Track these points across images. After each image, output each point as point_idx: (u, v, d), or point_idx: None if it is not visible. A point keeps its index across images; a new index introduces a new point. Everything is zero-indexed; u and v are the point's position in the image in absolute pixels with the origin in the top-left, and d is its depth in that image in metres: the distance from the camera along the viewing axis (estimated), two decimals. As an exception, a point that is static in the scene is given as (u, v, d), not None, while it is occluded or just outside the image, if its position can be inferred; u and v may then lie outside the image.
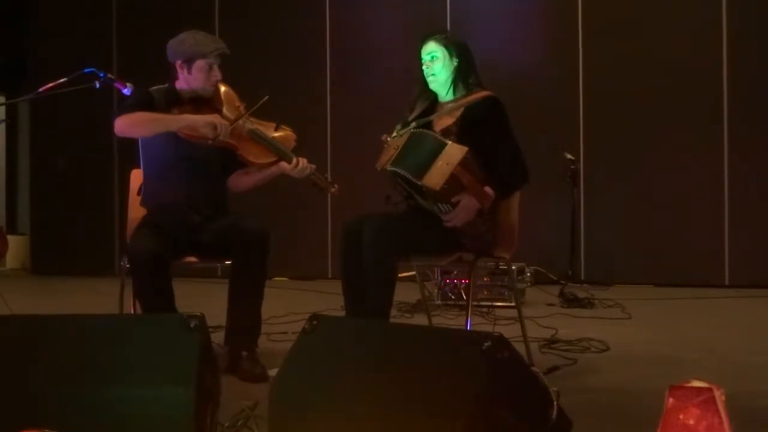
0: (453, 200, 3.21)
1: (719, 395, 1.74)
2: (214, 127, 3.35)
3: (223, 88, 3.59)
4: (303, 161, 3.51)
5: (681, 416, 1.74)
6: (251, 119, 3.52)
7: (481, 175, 3.23)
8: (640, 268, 6.63)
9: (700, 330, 4.61)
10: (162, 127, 3.41)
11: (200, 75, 3.49)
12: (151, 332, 2.24)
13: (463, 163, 3.13)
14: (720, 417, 1.73)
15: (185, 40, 3.52)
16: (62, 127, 7.91)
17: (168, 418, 2.08)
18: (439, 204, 3.24)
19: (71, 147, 8.04)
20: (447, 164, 3.11)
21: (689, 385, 1.80)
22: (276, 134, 3.56)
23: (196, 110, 3.47)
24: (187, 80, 3.53)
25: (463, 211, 3.23)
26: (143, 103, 3.47)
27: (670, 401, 1.78)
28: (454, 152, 3.13)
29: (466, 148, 3.14)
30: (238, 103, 3.57)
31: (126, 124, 3.40)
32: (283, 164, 3.51)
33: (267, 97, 3.46)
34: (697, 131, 6.57)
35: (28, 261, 8.56)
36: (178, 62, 3.52)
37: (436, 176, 3.12)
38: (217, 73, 3.52)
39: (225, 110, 3.51)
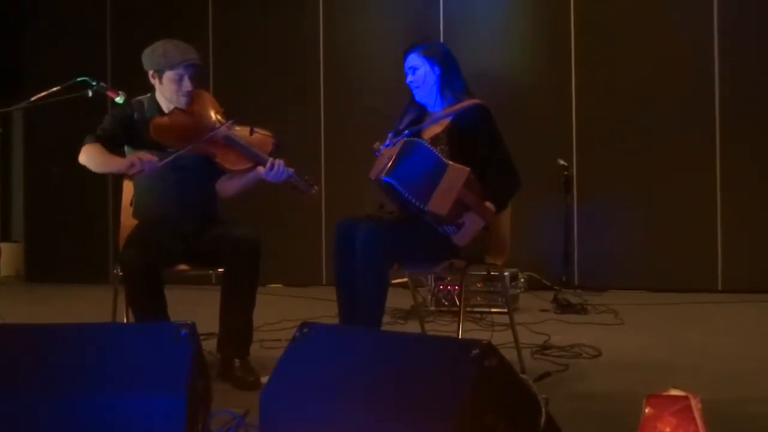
0: (458, 222, 3.23)
1: (695, 403, 1.76)
2: (135, 166, 3.27)
3: (203, 96, 3.58)
4: (279, 164, 3.38)
5: (658, 425, 1.76)
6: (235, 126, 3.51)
7: (481, 190, 3.26)
8: (634, 273, 6.63)
9: (693, 335, 4.62)
10: (104, 169, 3.57)
11: (171, 86, 3.48)
12: (143, 340, 2.26)
13: (466, 184, 3.15)
14: (696, 425, 1.74)
15: (155, 50, 3.51)
16: (56, 136, 7.89)
17: (159, 426, 2.09)
18: (444, 226, 3.26)
19: (65, 155, 8.00)
20: (451, 188, 3.13)
21: (666, 393, 1.82)
22: (252, 138, 3.48)
23: (173, 121, 3.47)
24: (161, 90, 3.53)
25: (469, 230, 3.25)
26: (114, 129, 3.49)
27: (647, 410, 1.80)
28: (456, 175, 3.15)
29: (467, 169, 3.16)
30: (217, 110, 3.56)
31: (83, 159, 3.46)
32: (260, 169, 3.42)
33: (232, 120, 3.47)
34: (689, 137, 6.59)
35: (21, 268, 8.56)
36: (150, 72, 3.52)
37: (441, 201, 3.13)
38: (187, 84, 3.48)
39: (203, 119, 3.50)
